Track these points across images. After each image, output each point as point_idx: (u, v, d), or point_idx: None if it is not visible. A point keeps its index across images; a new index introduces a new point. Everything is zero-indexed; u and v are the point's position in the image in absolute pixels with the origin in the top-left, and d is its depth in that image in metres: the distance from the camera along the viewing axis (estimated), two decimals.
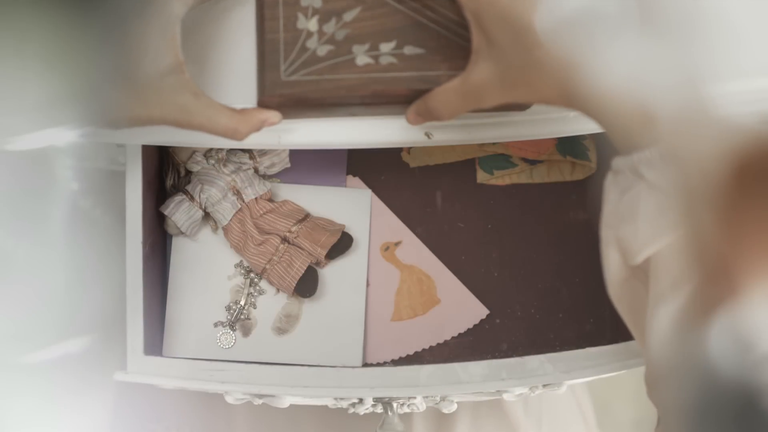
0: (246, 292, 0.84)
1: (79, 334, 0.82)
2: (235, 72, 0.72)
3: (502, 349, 0.86)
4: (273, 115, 0.69)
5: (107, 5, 0.56)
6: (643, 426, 1.43)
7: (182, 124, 0.66)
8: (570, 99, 0.61)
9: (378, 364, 0.85)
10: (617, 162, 0.62)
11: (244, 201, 0.83)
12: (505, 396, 0.84)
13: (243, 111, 0.68)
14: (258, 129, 0.69)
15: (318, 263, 0.84)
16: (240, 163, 0.84)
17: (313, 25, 0.69)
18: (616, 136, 0.61)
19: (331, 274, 0.85)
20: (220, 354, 0.83)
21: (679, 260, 0.56)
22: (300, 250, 0.83)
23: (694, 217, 0.51)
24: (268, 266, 0.82)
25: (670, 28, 0.58)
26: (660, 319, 0.57)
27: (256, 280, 0.85)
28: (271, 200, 0.85)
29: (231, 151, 0.83)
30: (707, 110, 0.53)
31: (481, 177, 0.88)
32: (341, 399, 0.82)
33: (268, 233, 0.83)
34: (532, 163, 0.88)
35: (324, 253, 0.83)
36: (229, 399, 0.81)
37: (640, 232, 0.59)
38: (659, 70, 0.56)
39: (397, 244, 0.87)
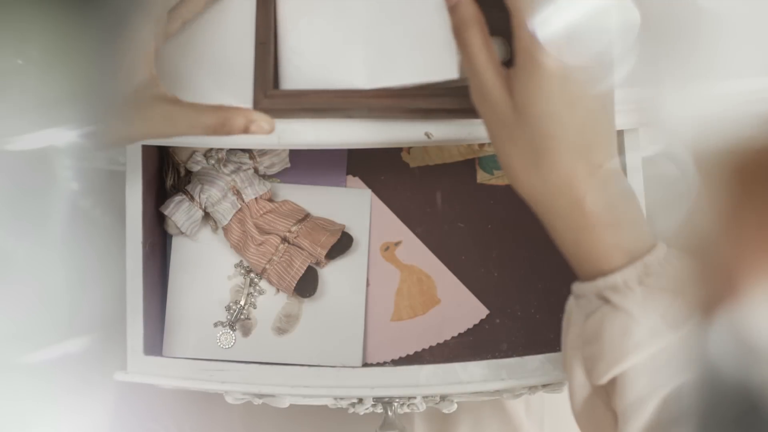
0: (246, 292, 0.84)
1: (79, 334, 0.81)
2: (235, 72, 0.72)
3: (502, 349, 0.86)
4: (261, 117, 0.67)
5: (106, 5, 0.56)
6: None
7: (169, 133, 0.66)
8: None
9: (378, 364, 0.85)
10: (579, 288, 0.64)
11: (244, 201, 0.83)
12: (505, 396, 0.84)
13: (228, 108, 0.67)
14: (245, 129, 0.68)
15: (318, 263, 0.84)
16: (240, 163, 0.83)
17: None
18: (577, 264, 0.64)
19: (331, 274, 0.85)
20: (220, 354, 0.83)
21: (644, 378, 0.59)
22: (300, 250, 0.83)
23: (694, 218, 0.51)
24: (268, 266, 0.82)
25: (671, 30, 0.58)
26: None
27: (256, 280, 0.85)
28: (271, 200, 0.85)
29: (231, 151, 0.83)
30: (708, 111, 0.53)
31: (481, 177, 0.88)
32: (341, 399, 0.82)
33: (268, 233, 0.83)
34: None
35: (324, 253, 0.83)
36: (229, 399, 0.81)
37: (606, 355, 0.61)
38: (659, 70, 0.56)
39: (397, 244, 0.87)
